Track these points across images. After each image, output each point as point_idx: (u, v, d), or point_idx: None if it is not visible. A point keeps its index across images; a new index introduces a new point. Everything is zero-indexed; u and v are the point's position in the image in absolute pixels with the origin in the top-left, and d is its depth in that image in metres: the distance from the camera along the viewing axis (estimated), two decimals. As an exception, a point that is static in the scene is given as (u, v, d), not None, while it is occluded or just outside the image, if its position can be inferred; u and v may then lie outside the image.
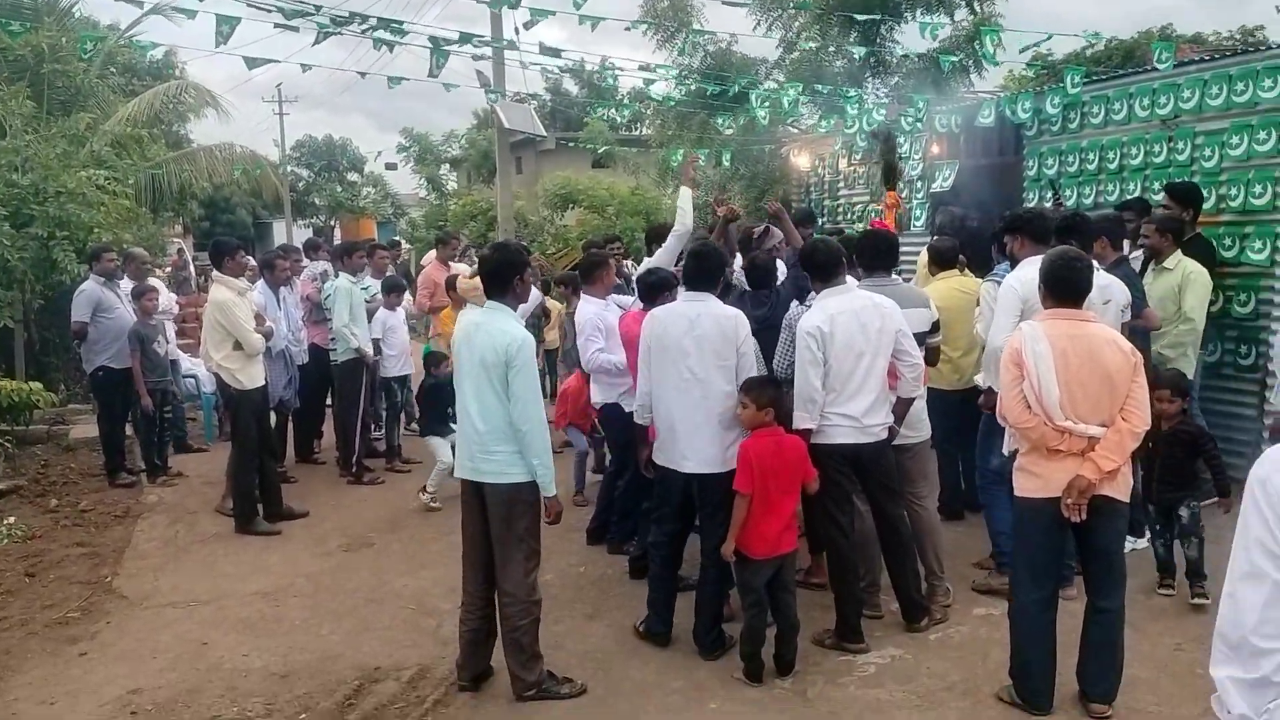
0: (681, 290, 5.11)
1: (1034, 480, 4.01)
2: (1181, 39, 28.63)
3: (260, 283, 8.43)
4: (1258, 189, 6.81)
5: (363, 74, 9.75)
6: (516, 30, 12.38)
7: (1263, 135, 6.78)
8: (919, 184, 10.51)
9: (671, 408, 4.83)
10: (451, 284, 8.66)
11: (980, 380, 5.41)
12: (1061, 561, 4.14)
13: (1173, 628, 4.81)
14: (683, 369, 4.77)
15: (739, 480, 4.54)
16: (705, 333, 4.75)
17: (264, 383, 7.28)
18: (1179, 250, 6.20)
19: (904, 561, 5.10)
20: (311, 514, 7.53)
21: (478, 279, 5.84)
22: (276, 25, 7.96)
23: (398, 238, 30.81)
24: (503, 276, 4.46)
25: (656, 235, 6.88)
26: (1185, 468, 5.20)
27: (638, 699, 4.48)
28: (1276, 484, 1.80)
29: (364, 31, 7.73)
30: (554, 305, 10.05)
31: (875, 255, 5.30)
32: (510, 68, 13.87)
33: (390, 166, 40.60)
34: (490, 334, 4.35)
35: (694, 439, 4.77)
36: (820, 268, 4.96)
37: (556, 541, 6.64)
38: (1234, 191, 6.97)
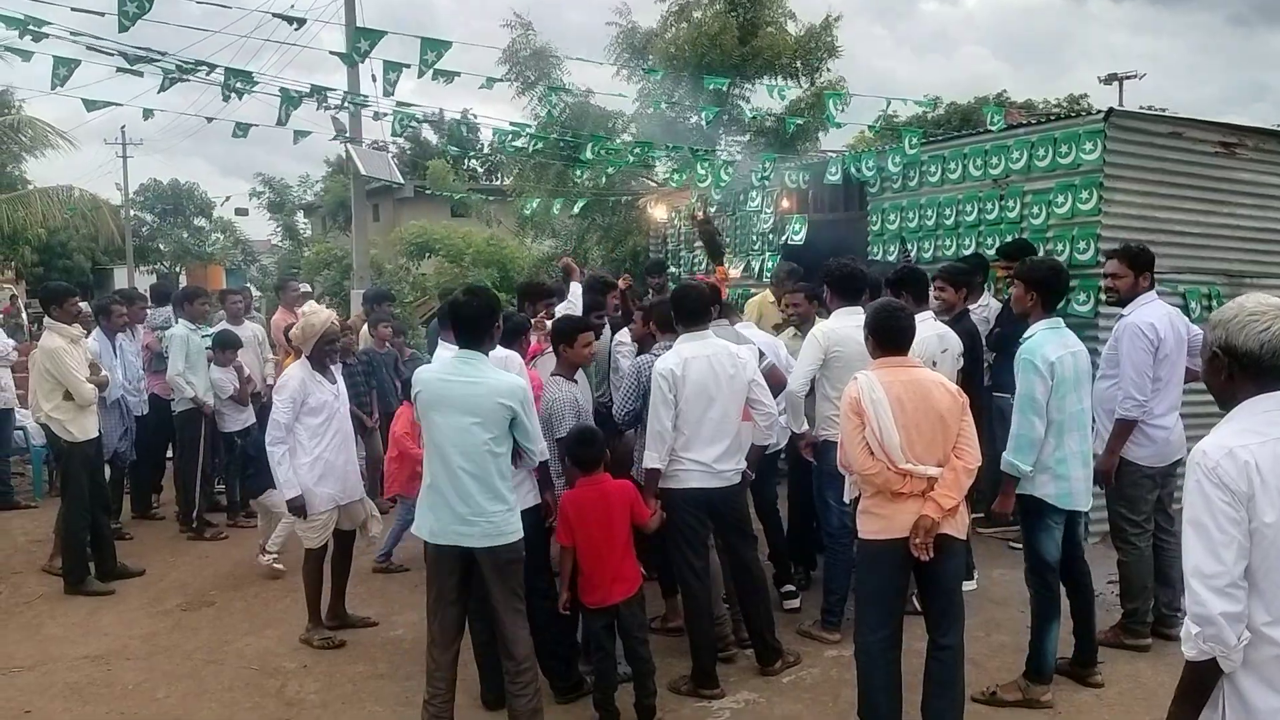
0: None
1: (879, 522, 4.14)
2: (1013, 104, 30.56)
3: (96, 330, 8.05)
4: (1081, 245, 7.26)
5: (209, 119, 9.46)
6: (374, 78, 12.26)
7: (1085, 195, 7.24)
8: (770, 237, 10.82)
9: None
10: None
11: (784, 422, 5.58)
12: (903, 601, 4.27)
13: (1010, 663, 5.00)
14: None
15: (559, 533, 4.55)
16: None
17: (97, 434, 6.93)
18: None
19: (758, 605, 5.18)
20: (149, 572, 7.18)
21: (292, 330, 5.72)
22: (120, 70, 7.67)
23: (248, 284, 29.90)
24: (482, 325, 4.28)
25: (529, 292, 6.87)
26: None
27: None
28: (1227, 467, 2.29)
29: (209, 74, 7.52)
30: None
31: (690, 313, 5.12)
32: (368, 114, 13.68)
33: (241, 212, 39.51)
34: (484, 387, 4.15)
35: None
36: (689, 313, 5.04)
37: (409, 594, 6.53)
38: (1060, 247, 7.41)
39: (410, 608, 6.24)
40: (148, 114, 8.57)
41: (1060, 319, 4.86)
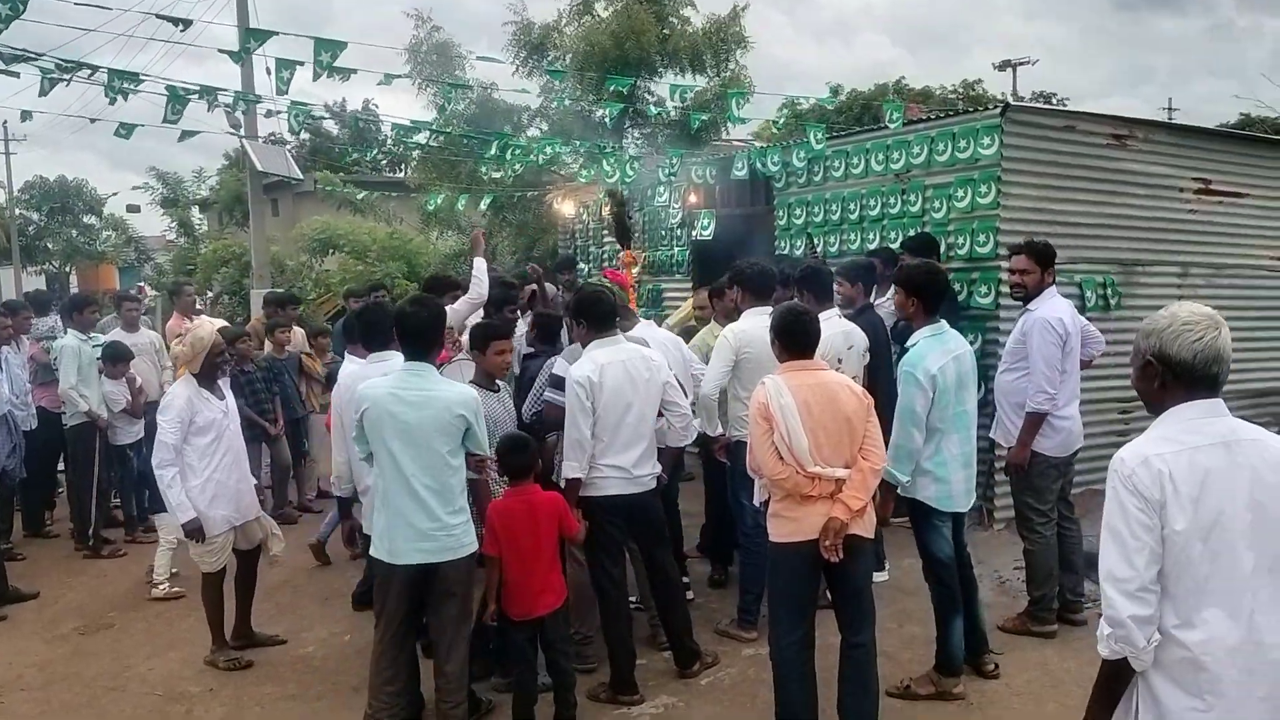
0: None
1: (789, 525, 4.16)
2: (912, 91, 31.16)
3: (-23, 343, 7.67)
4: (981, 238, 7.41)
5: (93, 120, 9.05)
6: (268, 71, 11.93)
7: (983, 189, 7.39)
8: (679, 232, 10.83)
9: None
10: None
11: (698, 425, 5.58)
12: (815, 602, 4.31)
13: (923, 655, 5.08)
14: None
15: (485, 544, 4.49)
16: None
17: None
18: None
19: (675, 608, 5.17)
20: (43, 594, 6.89)
21: (178, 348, 5.48)
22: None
23: (142, 282, 28.95)
24: (430, 335, 4.18)
25: (435, 285, 6.75)
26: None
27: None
28: (1142, 476, 2.37)
29: (91, 76, 7.20)
30: (310, 363, 9.42)
31: (600, 318, 5.08)
32: (263, 110, 13.30)
33: (133, 209, 38.06)
34: (439, 400, 4.07)
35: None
36: (598, 318, 4.99)
37: (319, 608, 6.38)
38: (961, 240, 7.56)
39: (319, 622, 6.11)
40: (25, 115, 8.19)
41: (943, 322, 4.88)
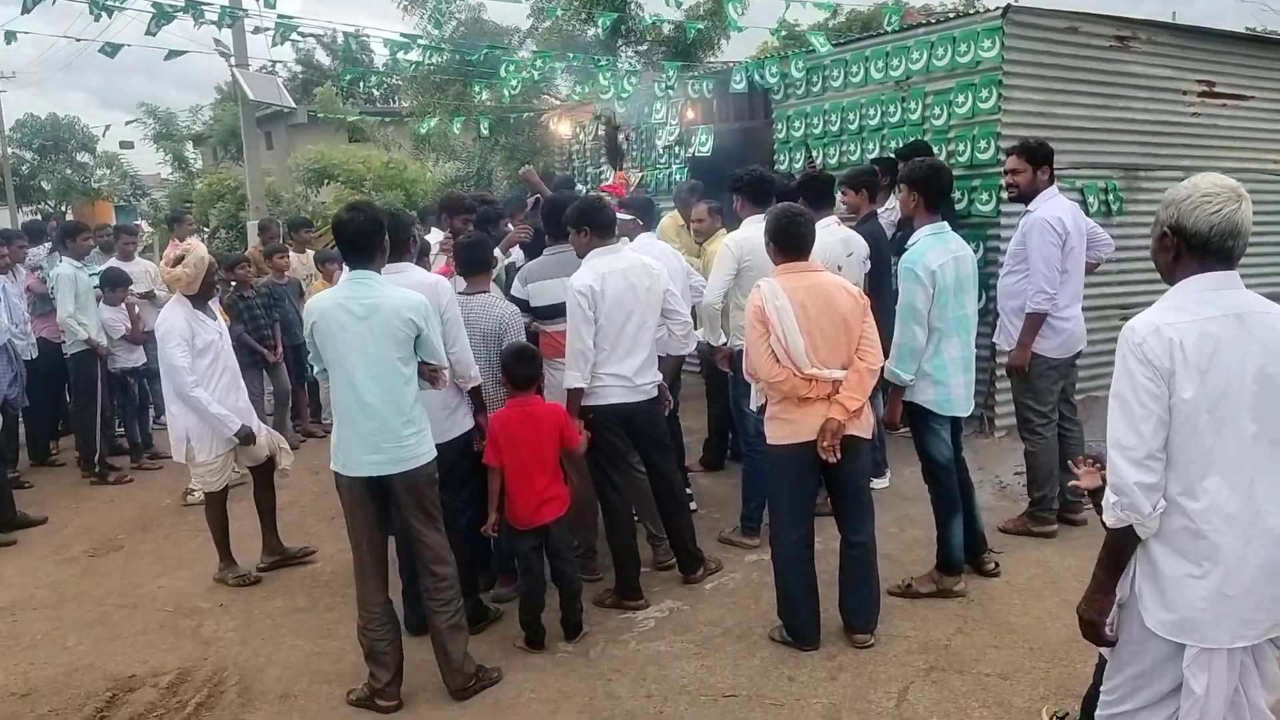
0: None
1: (787, 427, 4.17)
2: (911, 6, 30.55)
3: (-26, 272, 7.65)
4: (982, 144, 7.32)
5: (78, 39, 8.87)
6: (256, -10, 11.70)
7: (984, 93, 7.28)
8: (676, 149, 10.70)
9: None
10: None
11: (701, 335, 5.57)
12: (814, 502, 4.33)
13: (924, 557, 5.13)
14: None
15: (487, 454, 4.49)
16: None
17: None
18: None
19: (679, 515, 5.20)
20: (52, 519, 6.96)
21: (180, 269, 5.43)
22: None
23: (140, 220, 28.75)
24: (369, 240, 4.00)
25: (447, 206, 6.76)
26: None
27: (415, 676, 4.33)
28: (1152, 344, 2.36)
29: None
30: (318, 287, 9.42)
31: (602, 226, 5.02)
32: (258, 39, 13.11)
33: (126, 145, 37.59)
34: (386, 307, 3.94)
35: None
36: (600, 225, 4.93)
37: (326, 526, 6.44)
38: (962, 147, 7.46)
39: (327, 540, 6.17)
40: (10, 37, 8.03)
41: (945, 223, 4.82)
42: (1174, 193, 2.50)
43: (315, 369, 4.24)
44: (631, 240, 6.03)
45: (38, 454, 8.54)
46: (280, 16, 8.32)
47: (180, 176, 31.27)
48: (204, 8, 7.69)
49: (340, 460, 4.08)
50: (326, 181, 21.32)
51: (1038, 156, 5.40)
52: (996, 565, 5.07)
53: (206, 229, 21.93)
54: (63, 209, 39.28)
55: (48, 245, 9.13)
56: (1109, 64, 7.67)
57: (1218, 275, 2.42)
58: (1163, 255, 2.51)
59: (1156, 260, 2.55)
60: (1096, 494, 3.22)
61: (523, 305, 5.22)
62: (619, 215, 6.23)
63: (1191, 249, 2.43)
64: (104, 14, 7.11)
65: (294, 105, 18.43)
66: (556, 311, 5.05)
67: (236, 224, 20.46)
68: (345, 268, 4.14)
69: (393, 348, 3.97)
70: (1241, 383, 2.36)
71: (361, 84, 24.65)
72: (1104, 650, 2.70)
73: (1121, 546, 2.49)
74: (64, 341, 7.87)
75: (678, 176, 10.90)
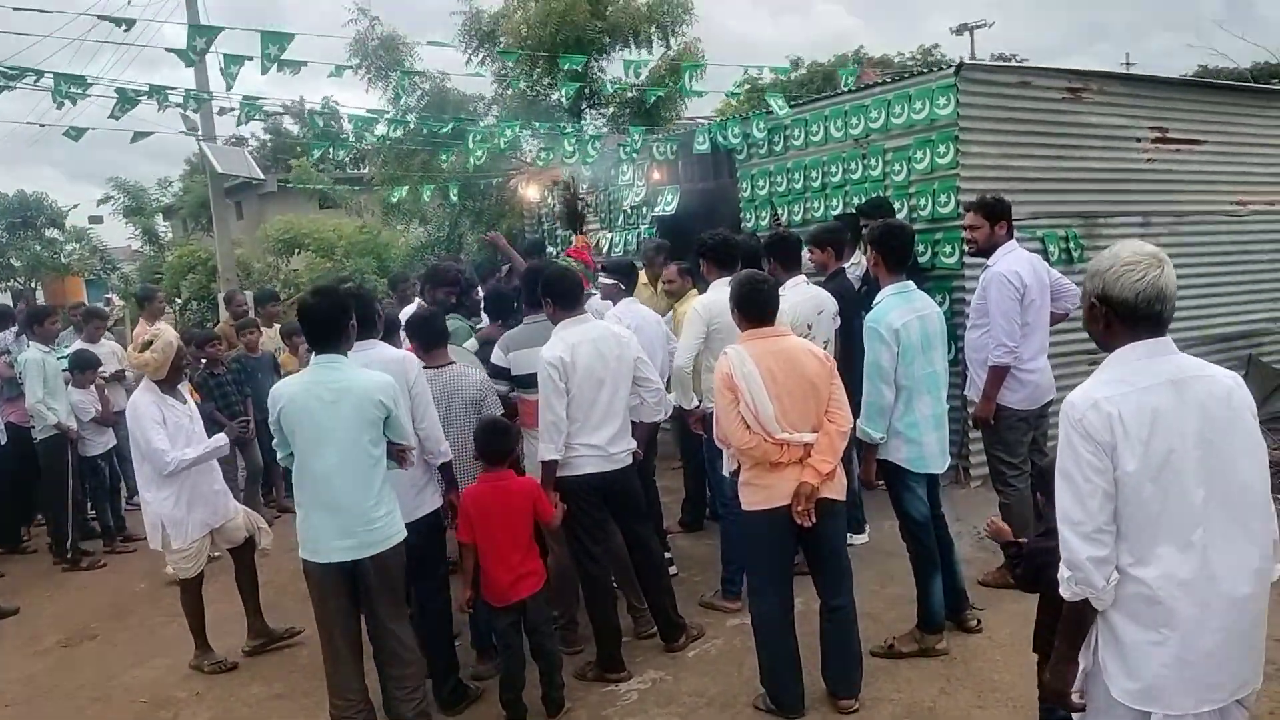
0: None
1: (761, 493, 4.18)
2: (871, 60, 31.20)
3: (-59, 359, 7.59)
4: (942, 199, 7.43)
5: (42, 125, 8.92)
6: (222, 71, 11.81)
7: (942, 149, 7.41)
8: (644, 210, 10.80)
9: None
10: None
11: (674, 399, 5.59)
12: (792, 567, 4.33)
13: (907, 614, 5.11)
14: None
15: (460, 531, 4.48)
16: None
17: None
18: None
19: (659, 584, 5.18)
20: (23, 609, 6.86)
21: (149, 354, 5.39)
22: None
23: (110, 294, 28.62)
24: (335, 325, 4.02)
25: (434, 277, 6.98)
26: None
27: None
28: (1091, 419, 2.39)
29: (37, 81, 7.09)
30: (286, 360, 9.37)
31: (567, 296, 5.06)
32: (216, 109, 13.16)
33: (95, 220, 37.50)
34: (355, 390, 3.94)
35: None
36: (565, 296, 4.96)
37: (303, 606, 6.30)
38: (923, 202, 7.57)
39: (305, 619, 6.01)
40: (-27, 115, 8.03)
41: (909, 282, 4.87)
42: (1097, 263, 2.54)
43: (281, 454, 4.20)
44: (615, 304, 6.12)
45: (8, 541, 8.41)
46: (245, 98, 8.40)
47: (151, 250, 31.20)
48: (168, 91, 7.76)
49: (310, 547, 4.05)
50: (297, 250, 21.33)
51: (994, 212, 5.49)
52: (979, 622, 5.07)
53: (179, 299, 21.87)
54: (33, 285, 39.00)
55: (14, 330, 9.07)
56: (1063, 115, 7.84)
57: (1151, 342, 2.46)
58: (1094, 325, 2.55)
59: (1089, 330, 2.59)
60: (1008, 547, 3.28)
61: (503, 374, 5.24)
62: (601, 279, 6.32)
63: (1121, 318, 2.47)
64: (67, 100, 7.14)
65: (262, 177, 18.52)
66: (536, 380, 5.06)
67: (208, 295, 20.41)
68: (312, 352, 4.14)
69: (362, 430, 3.97)
70: (1184, 449, 2.39)
71: (330, 152, 24.76)
72: (1075, 716, 2.70)
73: (1079, 618, 2.50)
74: (33, 427, 7.79)
75: (646, 235, 11.00)
